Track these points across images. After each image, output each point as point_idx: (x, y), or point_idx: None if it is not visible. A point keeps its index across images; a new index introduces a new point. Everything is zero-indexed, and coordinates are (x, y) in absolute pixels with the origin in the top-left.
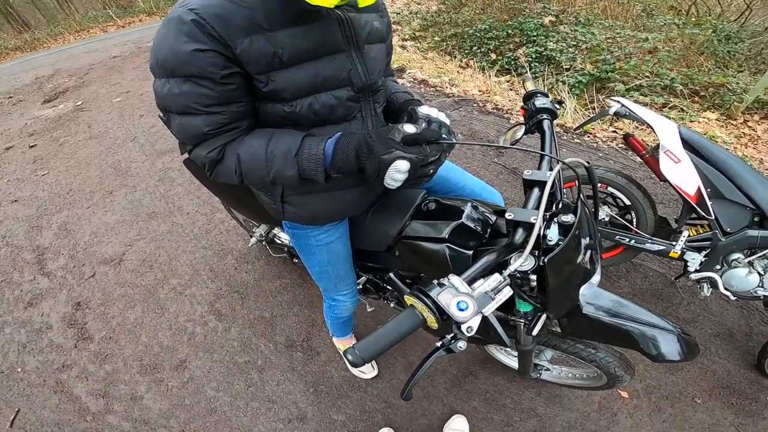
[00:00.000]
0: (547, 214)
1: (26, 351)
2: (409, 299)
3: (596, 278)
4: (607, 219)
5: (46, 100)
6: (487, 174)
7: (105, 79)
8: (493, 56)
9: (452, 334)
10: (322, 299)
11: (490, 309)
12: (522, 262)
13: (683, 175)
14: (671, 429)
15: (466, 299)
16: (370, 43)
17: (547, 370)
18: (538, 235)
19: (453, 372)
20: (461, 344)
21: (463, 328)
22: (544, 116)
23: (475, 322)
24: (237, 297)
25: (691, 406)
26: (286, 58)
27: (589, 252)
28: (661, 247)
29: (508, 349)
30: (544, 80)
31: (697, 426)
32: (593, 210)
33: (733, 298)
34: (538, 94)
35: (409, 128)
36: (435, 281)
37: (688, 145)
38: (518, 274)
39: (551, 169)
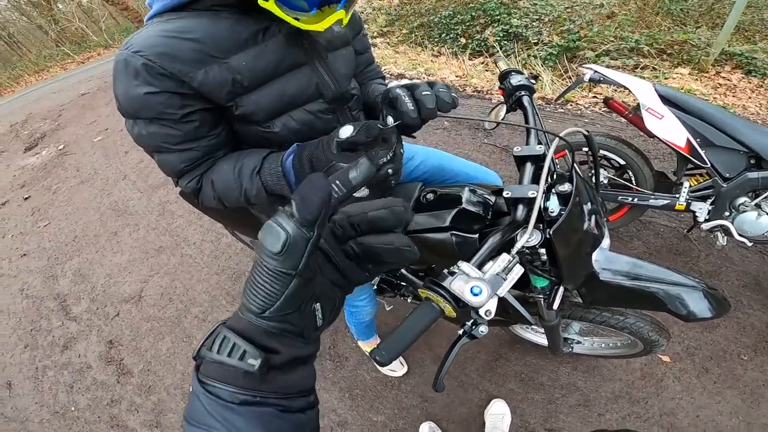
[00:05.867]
0: (544, 186)
1: (74, 390)
2: (423, 292)
3: (606, 242)
4: (606, 181)
5: (28, 148)
6: (479, 156)
7: (80, 119)
8: (463, 40)
9: (472, 320)
10: None
11: (504, 290)
12: (528, 237)
13: (670, 129)
14: (724, 389)
15: (479, 284)
16: (334, 49)
17: (579, 342)
18: (540, 208)
19: (483, 358)
20: (483, 329)
21: (481, 312)
22: (523, 93)
23: (492, 305)
24: None
25: (739, 364)
26: (247, 82)
27: (593, 217)
28: (666, 201)
29: (534, 326)
30: (516, 57)
31: (751, 384)
32: (594, 175)
33: (750, 244)
34: (513, 72)
35: (345, 131)
36: (446, 270)
37: (666, 100)
38: (527, 250)
39: (540, 143)
